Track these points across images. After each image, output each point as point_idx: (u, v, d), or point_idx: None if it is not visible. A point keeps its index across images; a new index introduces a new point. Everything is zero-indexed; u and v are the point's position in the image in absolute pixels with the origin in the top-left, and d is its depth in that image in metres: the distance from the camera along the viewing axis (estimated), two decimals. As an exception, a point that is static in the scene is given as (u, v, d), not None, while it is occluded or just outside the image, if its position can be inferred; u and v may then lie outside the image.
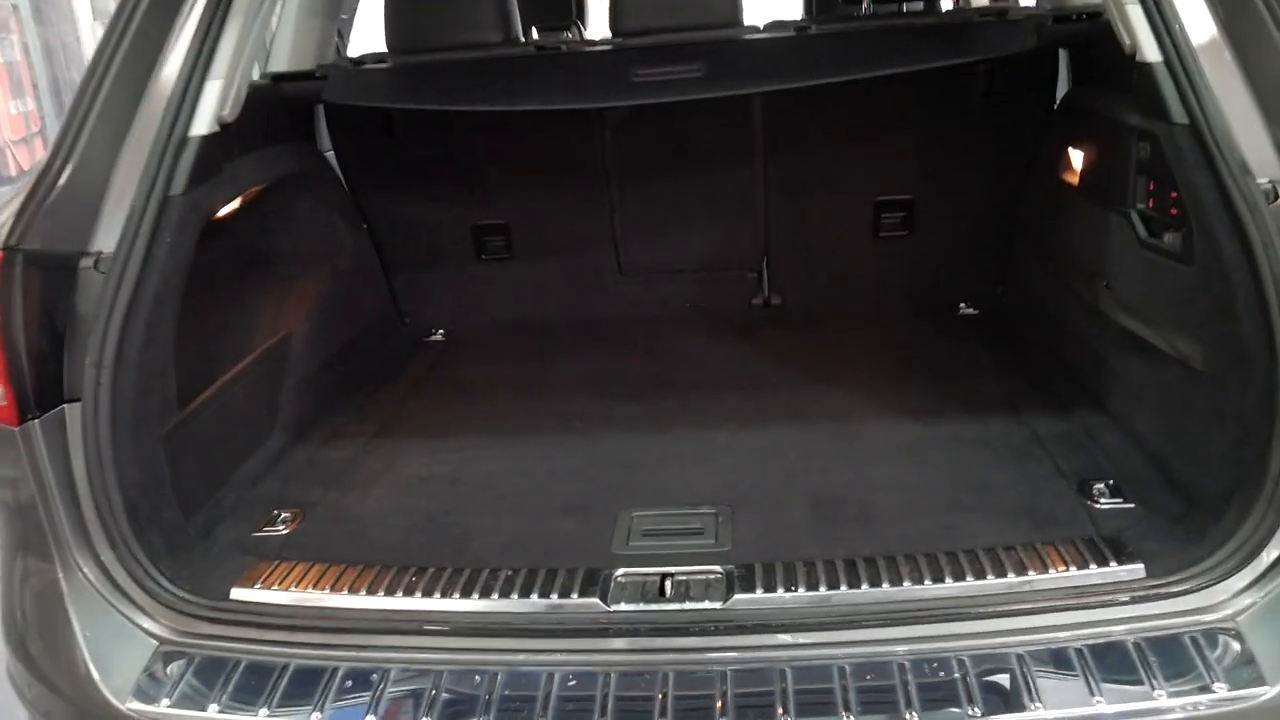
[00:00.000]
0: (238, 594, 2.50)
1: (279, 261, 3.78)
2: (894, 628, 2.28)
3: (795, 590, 2.37)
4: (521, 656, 2.28)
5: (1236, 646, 2.22)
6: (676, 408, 3.66)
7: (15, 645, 2.52)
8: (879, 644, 2.27)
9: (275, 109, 3.92)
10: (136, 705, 2.29)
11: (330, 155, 4.42)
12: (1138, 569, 2.39)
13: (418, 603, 2.41)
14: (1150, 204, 3.05)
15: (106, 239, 2.50)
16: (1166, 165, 2.69)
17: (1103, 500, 2.83)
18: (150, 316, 2.53)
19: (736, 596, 2.37)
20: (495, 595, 2.41)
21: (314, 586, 2.49)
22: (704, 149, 4.42)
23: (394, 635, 2.35)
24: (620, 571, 2.47)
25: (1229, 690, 2.14)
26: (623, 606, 2.37)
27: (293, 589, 2.49)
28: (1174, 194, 2.74)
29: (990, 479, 3.01)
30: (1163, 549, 2.43)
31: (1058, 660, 2.24)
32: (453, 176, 4.36)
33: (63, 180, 2.42)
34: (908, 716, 2.13)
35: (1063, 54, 4.07)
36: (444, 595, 2.41)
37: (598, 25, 7.62)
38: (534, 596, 2.40)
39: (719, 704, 2.17)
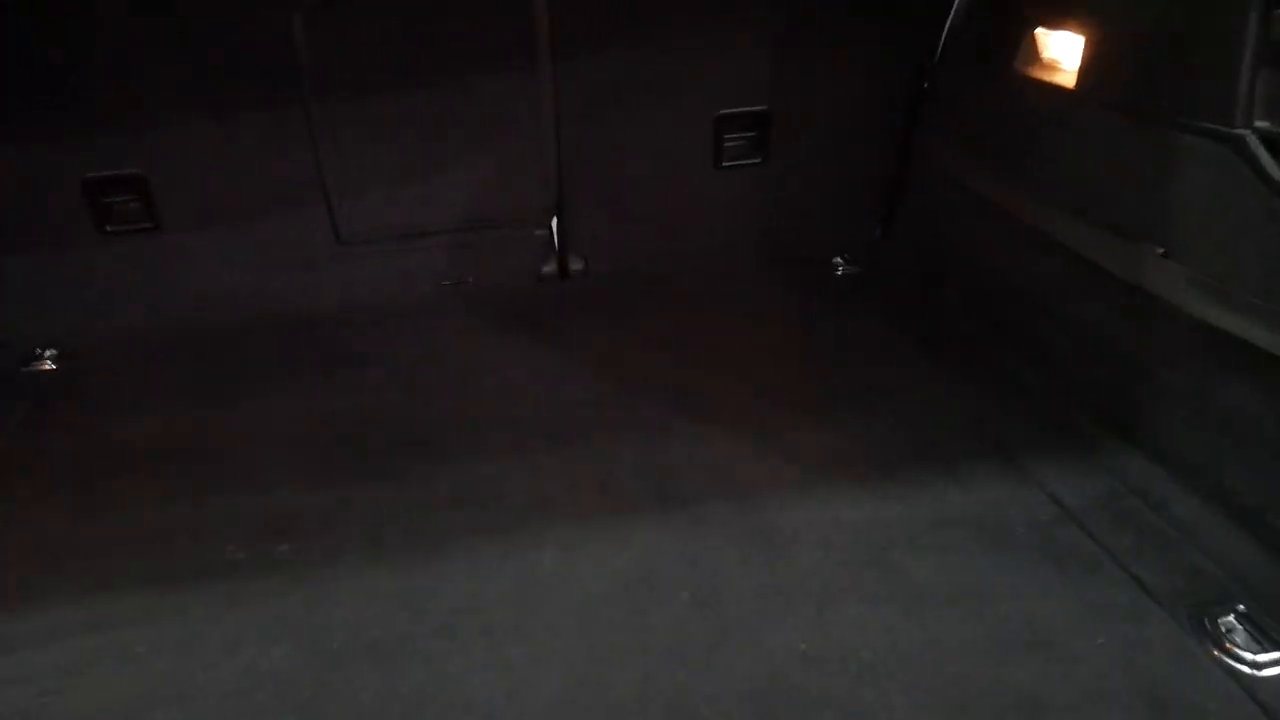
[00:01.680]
0: None
1: None
2: None
3: None
4: None
5: None
6: (447, 496, 2.16)
7: None
8: None
9: None
10: None
11: None
12: None
13: None
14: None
15: None
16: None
17: (1244, 646, 1.72)
18: None
19: None
20: None
21: None
22: (458, 48, 2.83)
23: None
24: None
25: None
26: None
27: None
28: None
29: (1034, 629, 1.78)
30: None
31: None
32: (47, 100, 2.73)
33: None
34: None
35: None
36: None
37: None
38: None
39: None
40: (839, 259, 3.23)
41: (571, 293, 3.16)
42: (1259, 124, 1.89)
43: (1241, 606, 1.79)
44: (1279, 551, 1.87)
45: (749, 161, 3.18)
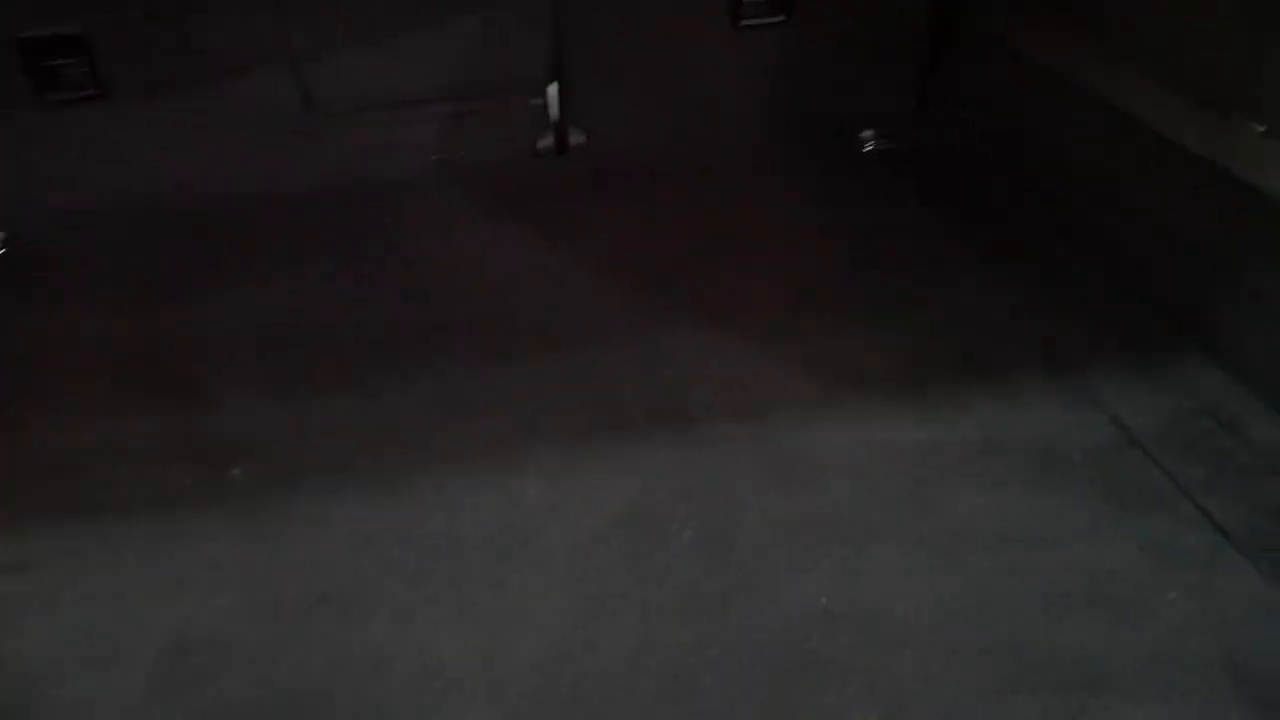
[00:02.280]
0: None
1: None
2: None
3: None
4: None
5: None
6: (422, 412, 1.90)
7: None
8: None
9: None
10: None
11: None
12: None
13: None
14: None
15: None
16: None
17: None
18: None
19: None
20: None
21: None
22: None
23: None
24: None
25: None
26: None
27: None
28: None
29: (1095, 580, 1.54)
30: None
31: None
32: None
33: None
34: None
35: None
36: None
37: None
38: None
39: None
40: (870, 132, 2.89)
41: (572, 170, 2.84)
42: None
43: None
44: None
45: (771, 20, 2.81)
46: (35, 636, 1.49)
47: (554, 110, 2.86)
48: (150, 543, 1.63)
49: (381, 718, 1.36)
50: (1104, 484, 1.68)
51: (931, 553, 1.57)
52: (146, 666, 1.43)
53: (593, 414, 1.85)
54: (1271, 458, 1.70)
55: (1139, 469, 1.71)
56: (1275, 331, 1.77)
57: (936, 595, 1.50)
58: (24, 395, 2.00)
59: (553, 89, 2.83)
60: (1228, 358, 1.86)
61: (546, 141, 2.88)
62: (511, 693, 1.38)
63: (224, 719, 1.37)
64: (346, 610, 1.50)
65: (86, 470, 1.79)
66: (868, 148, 2.88)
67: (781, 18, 2.81)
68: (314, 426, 1.87)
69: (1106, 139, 2.17)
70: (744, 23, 2.80)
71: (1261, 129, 1.75)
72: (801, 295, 2.21)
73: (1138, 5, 2.09)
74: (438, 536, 1.62)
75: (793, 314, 2.15)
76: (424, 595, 1.52)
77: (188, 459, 1.80)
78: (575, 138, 2.88)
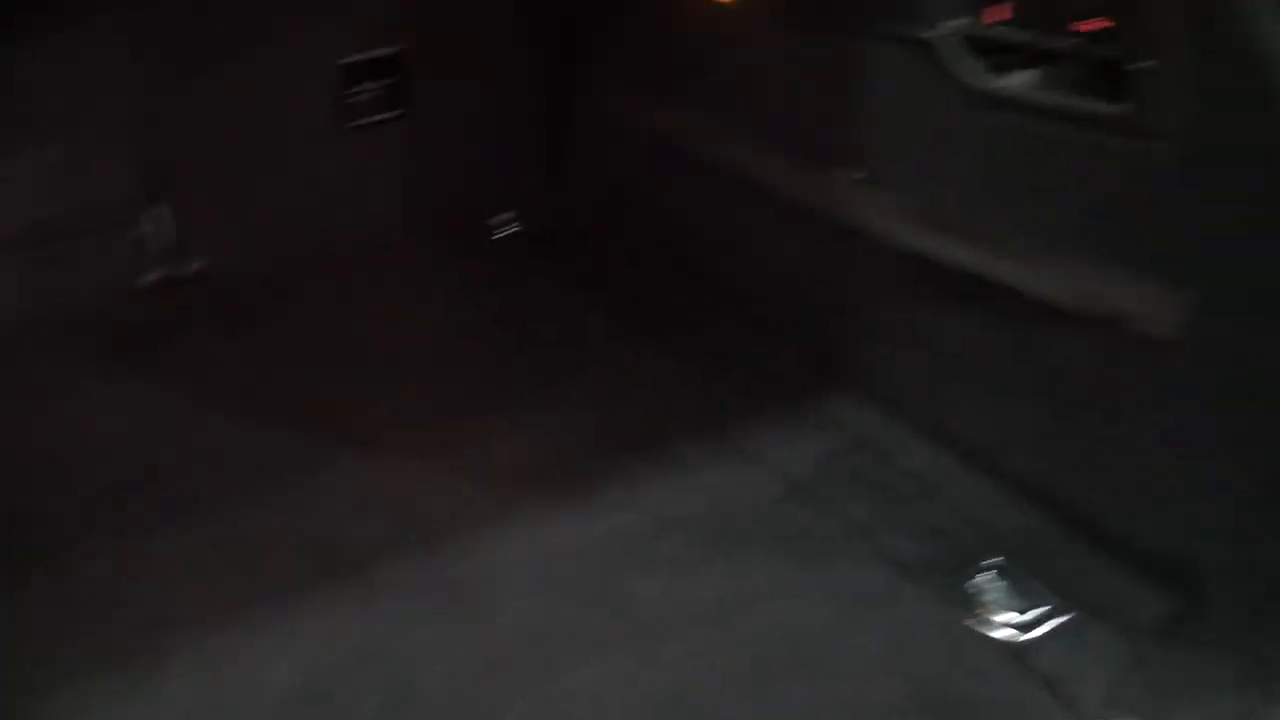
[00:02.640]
0: None
1: None
2: None
3: None
4: None
5: None
6: (38, 618, 1.67)
7: None
8: None
9: None
10: None
11: None
12: None
13: None
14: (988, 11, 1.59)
15: None
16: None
17: (1006, 606, 1.56)
18: None
19: None
20: None
21: None
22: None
23: None
24: None
25: None
26: None
27: None
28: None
29: (790, 641, 1.55)
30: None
31: None
32: None
33: None
34: None
35: None
36: None
37: None
38: None
39: None
40: (504, 215, 2.85)
41: (189, 303, 2.59)
42: (951, 23, 1.68)
43: (992, 562, 1.62)
44: (1018, 494, 1.72)
45: (385, 116, 2.72)
46: None
47: (161, 237, 2.61)
48: None
49: None
50: (779, 540, 1.69)
51: (627, 654, 1.50)
52: None
53: (244, 582, 1.65)
54: (920, 482, 1.79)
55: (808, 517, 1.74)
56: (908, 361, 1.87)
57: (642, 698, 1.44)
58: None
59: (157, 212, 2.58)
60: (867, 392, 1.95)
61: (155, 274, 2.62)
62: None
63: None
64: None
65: None
66: (503, 232, 2.84)
67: (398, 111, 2.72)
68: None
69: (730, 202, 2.24)
70: (357, 122, 2.69)
71: (858, 176, 1.86)
72: (457, 398, 2.11)
73: (727, 70, 2.18)
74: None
75: (451, 421, 2.04)
76: None
77: None
78: (188, 265, 2.63)
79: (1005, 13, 1.71)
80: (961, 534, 1.69)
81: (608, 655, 1.50)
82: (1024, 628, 1.54)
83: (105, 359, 2.34)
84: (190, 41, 2.43)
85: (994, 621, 1.54)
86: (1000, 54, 1.67)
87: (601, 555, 1.67)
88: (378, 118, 2.71)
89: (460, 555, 1.69)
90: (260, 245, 2.68)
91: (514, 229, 2.83)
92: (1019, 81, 1.65)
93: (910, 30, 1.72)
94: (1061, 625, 1.53)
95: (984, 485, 1.75)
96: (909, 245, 1.80)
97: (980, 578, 1.60)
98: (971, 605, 1.57)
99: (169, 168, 2.53)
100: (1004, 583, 1.59)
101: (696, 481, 1.83)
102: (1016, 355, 1.69)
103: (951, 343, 1.78)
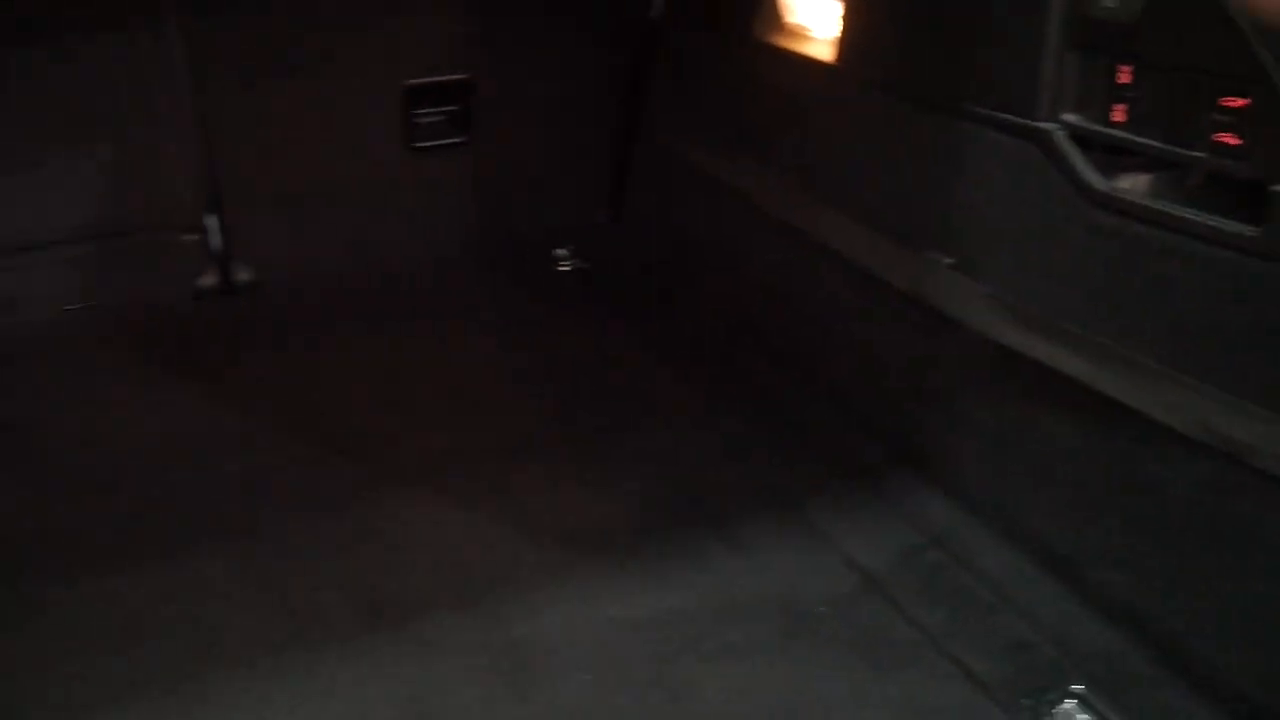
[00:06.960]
0: None
1: None
2: None
3: None
4: None
5: None
6: (61, 647, 1.57)
7: None
8: None
9: None
10: None
11: None
12: None
13: None
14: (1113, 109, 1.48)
15: None
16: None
17: None
18: None
19: None
20: None
21: None
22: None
23: None
24: None
25: None
26: None
27: None
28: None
29: None
30: None
31: None
32: None
33: None
34: None
35: None
36: None
37: None
38: None
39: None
40: (561, 251, 2.78)
41: (239, 313, 2.52)
42: (1067, 117, 1.60)
43: (1076, 687, 1.52)
44: (1100, 610, 1.62)
45: (450, 140, 2.65)
46: None
47: (215, 244, 2.54)
48: None
49: None
50: (852, 639, 1.59)
51: (687, 753, 1.41)
52: None
53: (284, 621, 1.57)
54: (1002, 589, 1.69)
55: (883, 616, 1.64)
56: (989, 457, 1.78)
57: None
58: None
59: (212, 220, 2.52)
60: (948, 485, 1.85)
61: (209, 279, 2.55)
62: None
63: None
64: None
65: None
66: (561, 266, 2.77)
67: (462, 138, 2.66)
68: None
69: (806, 269, 2.16)
70: (419, 144, 2.62)
71: (949, 262, 1.77)
72: (512, 444, 2.03)
73: (814, 133, 2.11)
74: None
75: (504, 468, 1.95)
76: None
77: None
78: (243, 274, 2.57)
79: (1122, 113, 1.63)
80: (1041, 650, 1.59)
81: (665, 750, 1.41)
82: (1108, 764, 1.44)
83: (146, 364, 2.27)
84: (256, 54, 2.39)
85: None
86: (1118, 153, 1.59)
87: (663, 634, 1.58)
88: (442, 142, 2.66)
89: (509, 618, 1.60)
90: (314, 261, 2.61)
91: (575, 264, 2.75)
92: (1137, 184, 1.57)
93: (1025, 118, 1.64)
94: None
95: (1067, 598, 1.65)
96: (1003, 339, 1.71)
97: (1062, 708, 1.50)
98: (1054, 735, 1.47)
99: (228, 176, 2.47)
100: (1086, 717, 1.49)
101: (764, 562, 1.73)
102: (1116, 470, 1.59)
103: (1043, 446, 1.69)
